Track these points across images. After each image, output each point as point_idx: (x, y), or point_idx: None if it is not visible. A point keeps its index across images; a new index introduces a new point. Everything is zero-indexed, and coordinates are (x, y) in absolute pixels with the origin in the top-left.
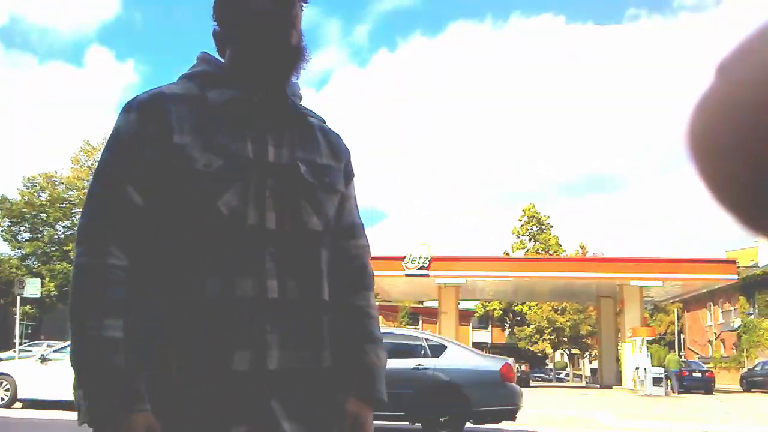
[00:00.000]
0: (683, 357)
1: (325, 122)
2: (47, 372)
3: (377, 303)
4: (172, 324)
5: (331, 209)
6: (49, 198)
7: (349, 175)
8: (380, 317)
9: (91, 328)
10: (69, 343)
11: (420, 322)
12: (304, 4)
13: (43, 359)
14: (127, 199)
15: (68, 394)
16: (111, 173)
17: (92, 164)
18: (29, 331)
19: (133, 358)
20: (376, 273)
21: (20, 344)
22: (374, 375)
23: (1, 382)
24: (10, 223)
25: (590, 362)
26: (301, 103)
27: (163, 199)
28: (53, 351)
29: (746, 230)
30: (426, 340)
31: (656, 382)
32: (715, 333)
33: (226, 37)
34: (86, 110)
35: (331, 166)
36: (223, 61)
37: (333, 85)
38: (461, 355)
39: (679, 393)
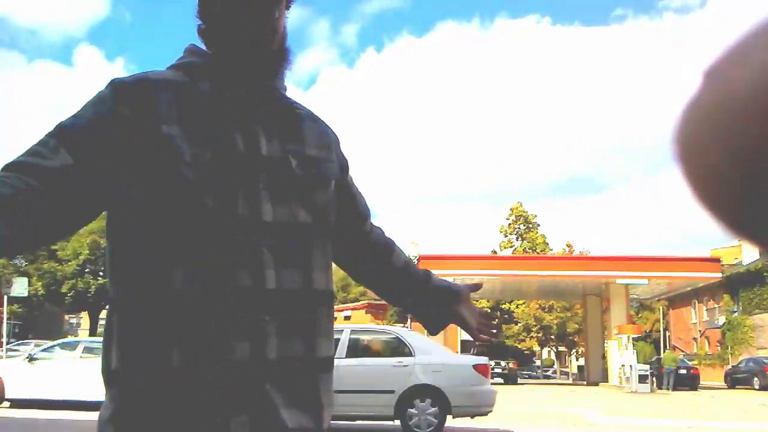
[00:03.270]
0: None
1: (312, 112)
2: (35, 371)
3: (365, 301)
4: (171, 316)
5: (321, 200)
6: None
7: (343, 163)
8: (369, 316)
9: None
10: (56, 342)
11: (409, 320)
12: (289, 5)
13: (31, 358)
14: (55, 156)
15: (56, 394)
16: (57, 134)
17: None
18: (17, 330)
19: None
20: None
21: (7, 343)
22: (449, 284)
23: None
24: None
25: (577, 359)
26: (286, 94)
27: (148, 189)
28: (41, 350)
29: (733, 235)
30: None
31: (642, 379)
32: (700, 330)
33: (212, 35)
34: (75, 109)
35: (320, 156)
36: (211, 54)
37: (321, 84)
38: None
39: (673, 390)
